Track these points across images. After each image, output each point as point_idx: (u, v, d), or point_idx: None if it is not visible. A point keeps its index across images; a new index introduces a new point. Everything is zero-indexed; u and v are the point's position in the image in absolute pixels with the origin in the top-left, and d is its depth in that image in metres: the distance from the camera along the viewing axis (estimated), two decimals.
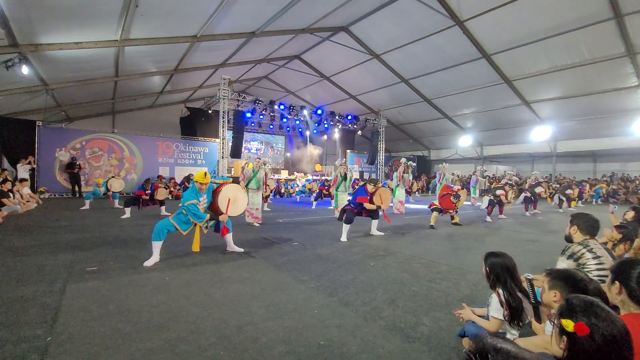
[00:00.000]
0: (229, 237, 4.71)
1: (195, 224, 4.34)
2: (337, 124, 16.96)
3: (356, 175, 20.30)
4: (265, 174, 8.00)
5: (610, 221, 4.69)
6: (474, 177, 13.64)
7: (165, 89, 15.75)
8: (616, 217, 4.84)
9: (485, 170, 14.56)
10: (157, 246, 4.10)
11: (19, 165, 11.69)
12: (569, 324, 1.08)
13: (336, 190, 8.72)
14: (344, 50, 14.10)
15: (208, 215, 4.32)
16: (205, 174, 4.32)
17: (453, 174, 12.25)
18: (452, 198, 7.44)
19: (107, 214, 8.59)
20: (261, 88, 19.99)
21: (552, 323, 1.20)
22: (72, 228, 6.35)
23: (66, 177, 13.06)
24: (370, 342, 2.25)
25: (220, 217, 4.45)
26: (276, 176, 18.03)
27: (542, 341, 1.58)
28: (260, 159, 7.68)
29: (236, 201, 4.63)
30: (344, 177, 8.58)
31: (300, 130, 19.13)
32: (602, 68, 11.40)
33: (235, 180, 4.98)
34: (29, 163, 12.00)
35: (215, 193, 4.52)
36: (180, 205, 4.36)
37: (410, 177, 9.94)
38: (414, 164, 12.11)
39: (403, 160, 10.84)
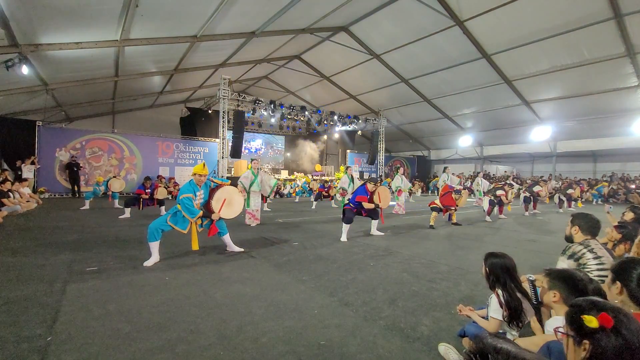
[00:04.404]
0: (227, 237, 4.71)
1: (191, 221, 4.28)
2: (337, 124, 16.95)
3: (356, 175, 20.32)
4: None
5: (609, 221, 4.69)
6: (479, 179, 13.65)
7: (165, 89, 15.75)
8: (612, 216, 4.83)
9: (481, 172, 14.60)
10: (154, 247, 4.10)
11: (23, 166, 11.69)
12: (591, 320, 0.97)
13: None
14: (344, 50, 14.10)
15: (201, 212, 4.28)
16: (204, 165, 4.34)
17: (453, 174, 12.29)
18: (453, 194, 7.51)
19: (107, 214, 8.59)
20: (261, 88, 20.00)
21: (566, 336, 1.06)
22: (72, 228, 6.34)
23: (66, 177, 13.06)
24: (370, 342, 2.25)
25: (212, 216, 4.44)
26: (276, 176, 18.02)
27: (542, 341, 1.57)
28: (256, 160, 7.55)
29: (231, 204, 4.56)
30: (351, 179, 9.07)
31: (300, 130, 19.13)
32: (602, 68, 11.39)
33: (234, 183, 4.92)
34: (33, 163, 12.00)
35: (212, 192, 4.50)
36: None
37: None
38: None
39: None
